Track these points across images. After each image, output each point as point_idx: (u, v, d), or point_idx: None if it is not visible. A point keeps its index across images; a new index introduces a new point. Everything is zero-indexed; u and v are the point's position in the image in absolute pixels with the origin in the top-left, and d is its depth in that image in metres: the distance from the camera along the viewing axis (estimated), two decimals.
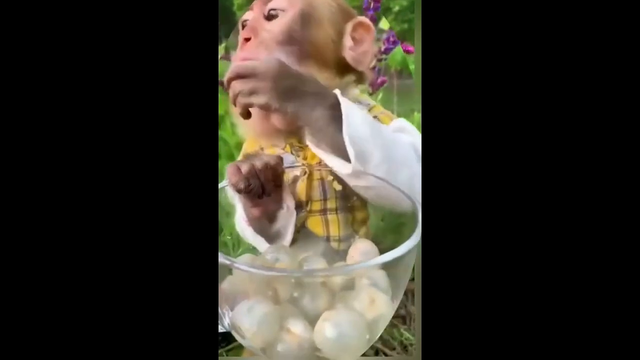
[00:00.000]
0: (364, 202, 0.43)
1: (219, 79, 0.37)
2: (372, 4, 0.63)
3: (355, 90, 0.47)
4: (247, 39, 0.42)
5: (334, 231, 0.43)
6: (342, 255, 0.37)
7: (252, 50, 0.41)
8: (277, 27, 0.42)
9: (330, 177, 0.42)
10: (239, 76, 0.37)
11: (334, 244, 0.43)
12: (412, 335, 0.60)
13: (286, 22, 0.42)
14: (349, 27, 0.45)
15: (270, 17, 0.43)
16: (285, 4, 0.43)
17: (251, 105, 0.37)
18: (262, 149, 0.44)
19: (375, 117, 0.44)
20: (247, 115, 0.38)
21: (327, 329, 0.28)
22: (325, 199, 0.43)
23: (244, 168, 0.37)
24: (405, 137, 0.42)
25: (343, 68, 0.44)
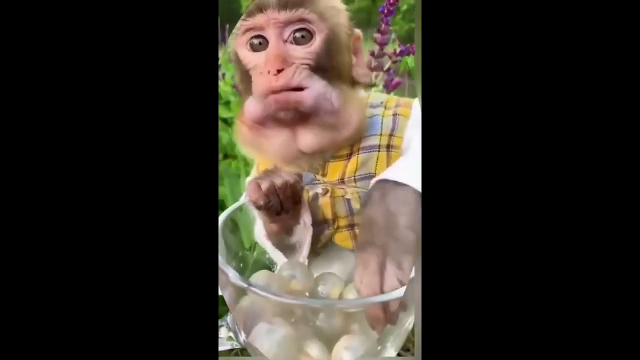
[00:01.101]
0: None
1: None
2: (387, 9, 0.62)
3: (362, 93, 0.46)
4: (280, 70, 0.38)
5: None
6: None
7: (288, 79, 0.38)
8: (307, 54, 0.40)
9: (352, 196, 0.42)
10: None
11: None
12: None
13: (316, 48, 0.40)
14: (351, 42, 0.44)
15: (295, 40, 0.40)
16: (312, 27, 0.40)
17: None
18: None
19: (395, 114, 0.44)
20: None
21: (344, 356, 0.28)
22: (352, 215, 0.43)
23: (264, 185, 0.37)
24: None
25: (353, 85, 0.44)
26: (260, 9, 0.39)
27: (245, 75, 0.41)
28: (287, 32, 0.39)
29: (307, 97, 0.38)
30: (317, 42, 0.39)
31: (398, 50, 0.69)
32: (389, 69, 0.88)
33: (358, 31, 0.45)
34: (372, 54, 0.94)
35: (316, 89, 0.38)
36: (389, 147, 0.42)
